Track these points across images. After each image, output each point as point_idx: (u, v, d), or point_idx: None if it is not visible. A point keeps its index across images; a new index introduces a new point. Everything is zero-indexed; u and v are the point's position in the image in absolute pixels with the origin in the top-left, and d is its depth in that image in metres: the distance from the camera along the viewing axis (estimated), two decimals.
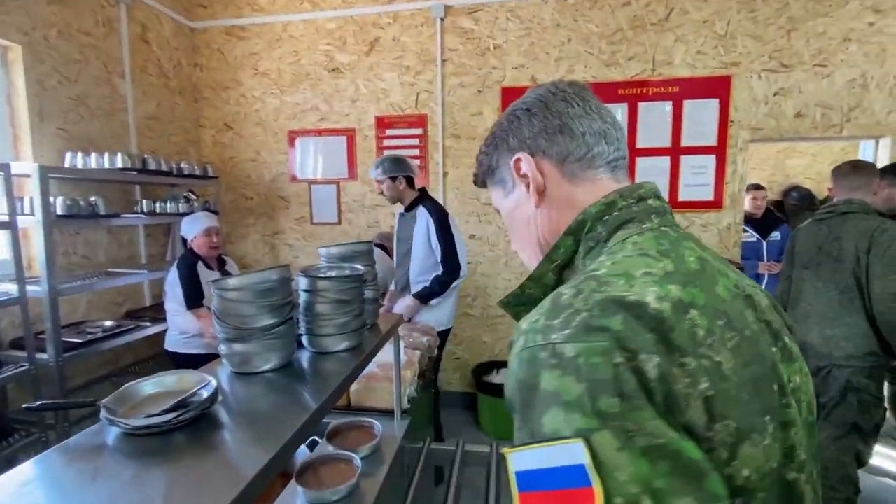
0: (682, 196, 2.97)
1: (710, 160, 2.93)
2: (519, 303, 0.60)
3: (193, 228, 2.34)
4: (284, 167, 3.52)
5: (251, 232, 3.65)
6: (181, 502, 0.55)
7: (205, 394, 0.75)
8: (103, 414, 0.68)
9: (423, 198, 2.49)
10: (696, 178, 2.96)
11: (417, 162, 3.27)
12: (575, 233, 0.53)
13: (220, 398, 0.78)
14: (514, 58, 3.10)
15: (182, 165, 2.82)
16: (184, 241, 2.48)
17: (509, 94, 3.12)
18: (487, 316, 3.32)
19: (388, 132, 3.33)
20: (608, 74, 2.99)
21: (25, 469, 0.60)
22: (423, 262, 2.42)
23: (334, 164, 3.45)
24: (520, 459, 0.37)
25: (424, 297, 2.38)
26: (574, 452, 0.34)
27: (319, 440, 1.33)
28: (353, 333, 1.05)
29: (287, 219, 3.58)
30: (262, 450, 0.66)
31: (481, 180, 0.67)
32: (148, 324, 2.58)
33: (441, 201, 3.26)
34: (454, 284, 2.44)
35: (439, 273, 2.39)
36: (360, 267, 1.12)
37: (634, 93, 2.95)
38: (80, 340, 2.14)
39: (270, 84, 3.45)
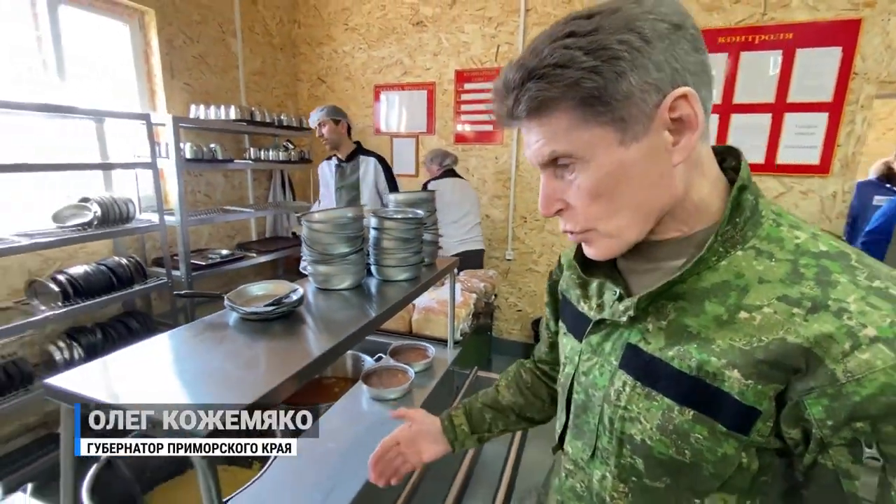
0: (782, 158, 2.70)
1: (821, 119, 2.61)
2: (665, 292, 0.49)
3: None
4: (370, 120, 3.75)
5: None
6: (273, 360, 0.78)
7: (294, 297, 0.98)
8: (227, 303, 0.94)
9: (361, 148, 2.65)
10: (802, 138, 2.66)
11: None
12: (733, 203, 0.46)
13: (304, 303, 1.01)
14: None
15: (282, 117, 3.16)
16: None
17: None
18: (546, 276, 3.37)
19: (467, 86, 3.38)
20: (708, 20, 2.72)
21: (165, 337, 0.88)
22: (373, 207, 2.62)
23: (415, 118, 3.60)
24: None
25: None
26: None
27: (384, 356, 1.58)
28: (412, 267, 1.23)
29: None
30: (329, 338, 0.87)
31: (554, 106, 0.44)
32: (254, 254, 3.04)
33: (513, 158, 3.31)
34: None
35: None
36: (420, 212, 1.28)
37: (738, 41, 2.67)
38: (203, 263, 2.61)
39: (359, 39, 3.63)
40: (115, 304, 2.32)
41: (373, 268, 1.25)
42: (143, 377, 0.72)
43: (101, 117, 2.32)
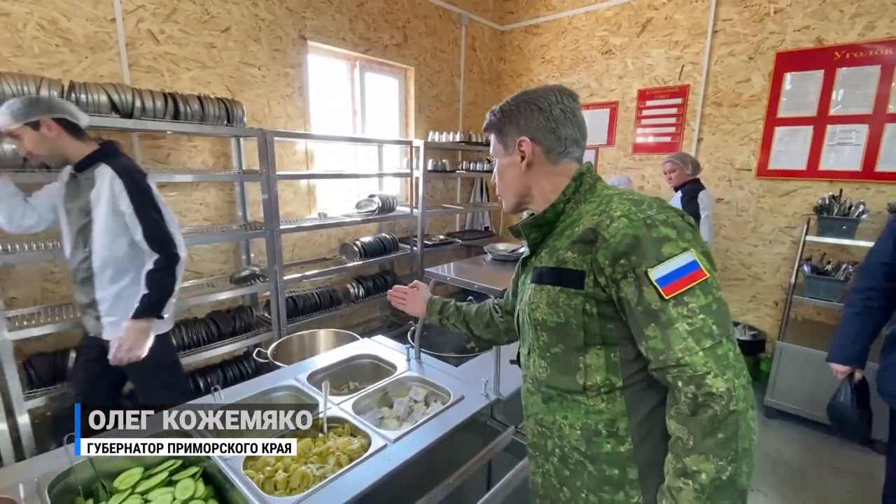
0: None
1: None
2: (537, 224, 0.86)
3: None
4: None
5: None
6: (506, 275, 1.54)
7: (520, 251, 1.74)
8: (487, 249, 1.76)
9: (105, 153, 1.66)
10: None
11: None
12: (576, 180, 0.85)
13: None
14: (798, 20, 3.01)
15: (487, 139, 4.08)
16: None
17: (785, 59, 3.07)
18: (724, 278, 3.50)
19: (648, 103, 3.76)
20: None
21: (457, 262, 1.72)
22: (112, 240, 1.65)
23: (596, 133, 4.13)
24: (657, 272, 0.70)
25: (152, 309, 1.62)
26: (687, 256, 0.71)
27: None
28: None
29: None
30: None
31: (491, 131, 0.93)
32: (458, 241, 4.04)
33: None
34: (179, 269, 1.69)
35: (151, 264, 1.64)
36: None
37: None
38: (429, 243, 3.69)
39: (553, 69, 4.34)
40: (376, 265, 3.53)
41: None
42: (458, 274, 1.56)
43: (381, 143, 3.57)
